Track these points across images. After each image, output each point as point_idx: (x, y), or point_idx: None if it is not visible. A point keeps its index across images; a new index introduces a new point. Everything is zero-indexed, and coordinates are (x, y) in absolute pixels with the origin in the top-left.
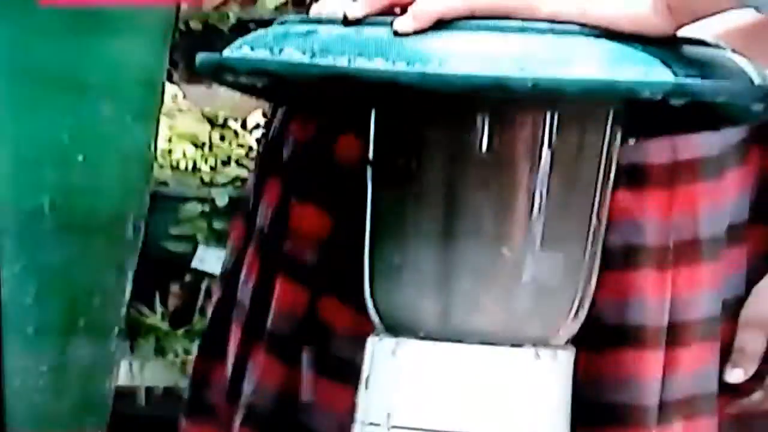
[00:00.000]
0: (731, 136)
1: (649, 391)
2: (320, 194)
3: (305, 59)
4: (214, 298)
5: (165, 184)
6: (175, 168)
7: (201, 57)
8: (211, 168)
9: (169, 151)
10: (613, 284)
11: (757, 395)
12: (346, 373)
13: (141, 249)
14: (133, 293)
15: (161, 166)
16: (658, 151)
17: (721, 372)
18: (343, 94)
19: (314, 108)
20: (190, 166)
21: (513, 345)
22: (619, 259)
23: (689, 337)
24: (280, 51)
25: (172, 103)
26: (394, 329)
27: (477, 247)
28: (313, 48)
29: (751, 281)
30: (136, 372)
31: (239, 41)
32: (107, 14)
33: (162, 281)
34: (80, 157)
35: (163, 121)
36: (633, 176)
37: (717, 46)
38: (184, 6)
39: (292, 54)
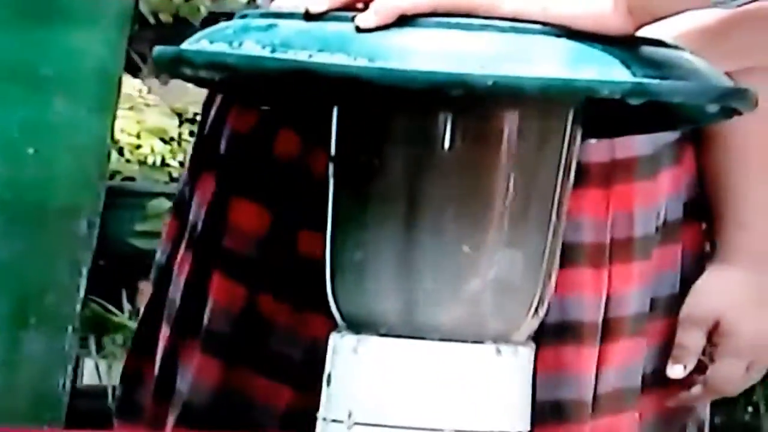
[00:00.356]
0: (666, 135)
1: (586, 387)
2: (259, 189)
3: (265, 53)
4: (146, 296)
5: (132, 179)
6: (142, 163)
7: (158, 50)
8: (180, 164)
9: (137, 146)
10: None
11: (696, 389)
12: (285, 370)
13: (106, 246)
14: (99, 291)
15: (128, 161)
16: (596, 150)
17: (663, 367)
18: (304, 89)
19: (274, 104)
20: (158, 162)
21: (474, 341)
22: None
23: (619, 333)
24: (240, 44)
25: (139, 98)
26: (356, 326)
27: (438, 245)
28: (274, 42)
29: (686, 279)
30: (103, 371)
31: (198, 34)
32: (61, 3)
33: (129, 279)
34: (31, 150)
35: (131, 116)
36: None
37: (675, 47)
38: None
39: (252, 48)
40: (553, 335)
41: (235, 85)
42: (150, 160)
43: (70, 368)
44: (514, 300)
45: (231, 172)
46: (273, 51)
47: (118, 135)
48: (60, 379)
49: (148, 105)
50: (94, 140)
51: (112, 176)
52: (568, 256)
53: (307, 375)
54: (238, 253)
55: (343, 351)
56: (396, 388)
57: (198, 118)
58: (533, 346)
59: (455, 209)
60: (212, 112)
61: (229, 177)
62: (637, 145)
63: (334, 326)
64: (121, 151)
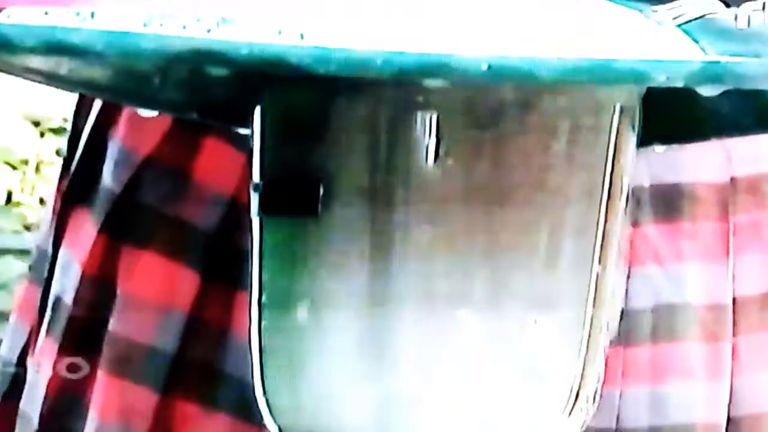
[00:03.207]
0: None
1: None
2: (174, 237)
3: (135, 27)
4: None
5: None
6: None
7: None
8: (41, 201)
9: None
10: (642, 365)
11: None
12: None
13: None
14: None
15: None
16: (703, 165)
17: None
18: (207, 82)
19: (164, 105)
20: (2, 199)
21: None
22: (648, 328)
23: None
24: (93, 14)
25: None
26: None
27: (422, 311)
28: (148, 9)
29: None
30: None
31: None
32: None
33: None
34: None
35: None
36: (667, 203)
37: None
38: None
39: (112, 19)
40: None
41: (95, 79)
42: None
43: None
44: (540, 391)
45: (126, 211)
46: (147, 23)
47: None
48: None
49: None
50: None
51: None
52: (667, 325)
53: None
54: (138, 338)
55: None
56: None
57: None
58: None
59: (445, 254)
60: (89, 121)
61: (122, 219)
62: (767, 155)
63: None
64: None
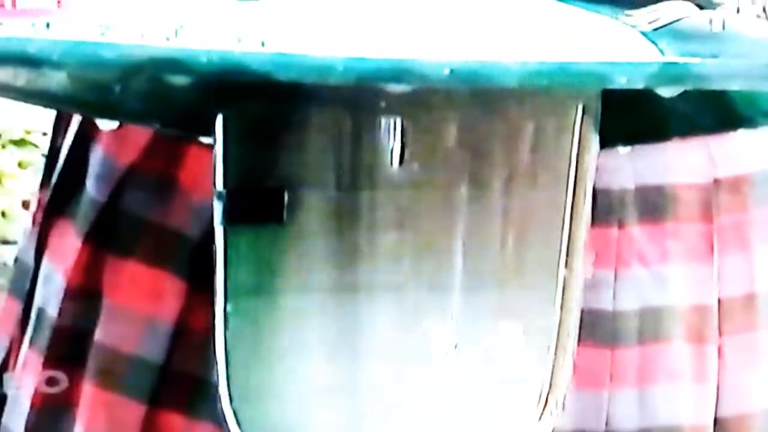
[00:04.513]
0: None
1: None
2: (159, 245)
3: (93, 36)
4: None
5: None
6: None
7: None
8: (2, 214)
9: None
10: (630, 367)
11: None
12: None
13: None
14: None
15: None
16: (687, 167)
17: None
18: (167, 91)
19: (125, 115)
20: None
21: None
22: (633, 330)
23: None
24: (48, 25)
25: None
26: None
27: (391, 316)
28: (105, 18)
29: None
30: None
31: None
32: None
33: None
34: None
35: None
36: (652, 204)
37: (725, 11)
38: None
39: (70, 28)
40: None
41: (53, 90)
42: None
43: None
44: (510, 396)
45: (110, 221)
46: (105, 32)
47: None
48: None
49: None
50: None
51: None
52: (653, 326)
53: None
54: (125, 349)
55: None
56: None
57: (33, 139)
58: None
59: (411, 258)
60: (70, 131)
61: (104, 227)
62: (749, 156)
63: None
64: None
